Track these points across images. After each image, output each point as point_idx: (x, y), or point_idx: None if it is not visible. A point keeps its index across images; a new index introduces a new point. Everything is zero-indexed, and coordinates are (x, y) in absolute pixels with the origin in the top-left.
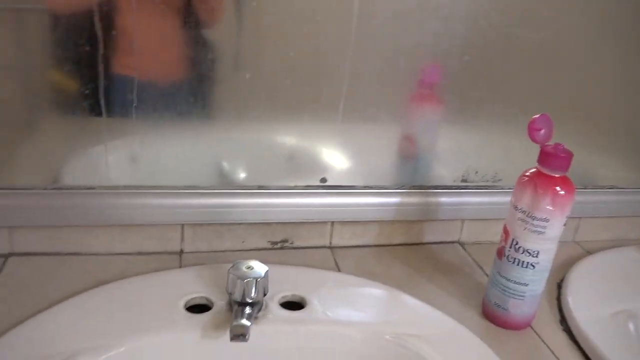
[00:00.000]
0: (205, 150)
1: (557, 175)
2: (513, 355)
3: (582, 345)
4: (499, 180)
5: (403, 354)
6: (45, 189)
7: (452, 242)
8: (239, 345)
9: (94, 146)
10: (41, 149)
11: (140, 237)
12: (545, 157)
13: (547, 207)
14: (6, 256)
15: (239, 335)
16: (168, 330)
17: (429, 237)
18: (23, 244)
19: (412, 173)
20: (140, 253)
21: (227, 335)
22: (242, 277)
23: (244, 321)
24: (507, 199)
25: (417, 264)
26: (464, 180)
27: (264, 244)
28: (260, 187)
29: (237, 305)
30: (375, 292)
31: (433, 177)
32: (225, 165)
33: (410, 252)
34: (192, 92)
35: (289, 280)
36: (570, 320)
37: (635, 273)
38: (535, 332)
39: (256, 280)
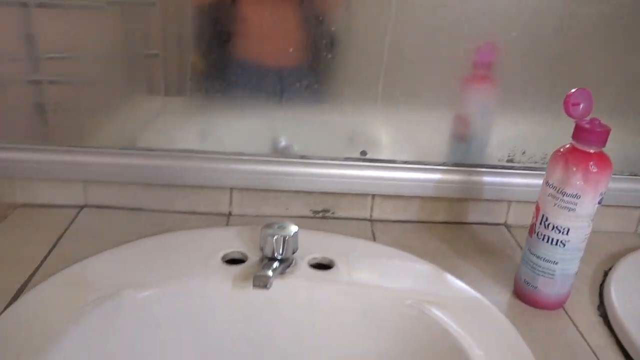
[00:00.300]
0: (255, 122)
1: (592, 151)
2: (538, 333)
3: (616, 330)
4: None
5: (420, 318)
6: (113, 148)
7: (498, 224)
8: (263, 295)
9: (173, 117)
10: (126, 118)
11: (194, 198)
12: (579, 132)
13: (578, 182)
14: (81, 207)
15: (260, 284)
16: (203, 277)
17: (473, 217)
18: (95, 197)
19: (459, 151)
20: (193, 212)
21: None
22: (273, 235)
23: (268, 272)
24: None
25: (456, 242)
26: (509, 161)
27: (306, 212)
28: (303, 157)
29: (267, 260)
30: (404, 262)
31: (477, 156)
32: (282, 139)
33: (451, 230)
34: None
35: (321, 244)
36: (608, 306)
37: None
38: (567, 313)
39: (284, 237)
